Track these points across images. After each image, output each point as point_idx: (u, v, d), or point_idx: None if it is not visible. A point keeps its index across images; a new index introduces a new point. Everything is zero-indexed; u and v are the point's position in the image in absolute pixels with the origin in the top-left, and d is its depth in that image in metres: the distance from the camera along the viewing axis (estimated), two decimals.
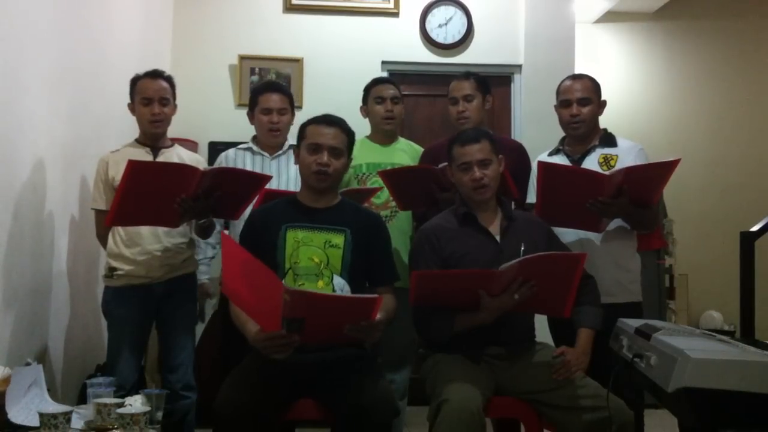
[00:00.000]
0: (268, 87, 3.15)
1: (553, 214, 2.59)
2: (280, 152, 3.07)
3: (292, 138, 3.13)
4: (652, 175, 2.57)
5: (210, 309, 3.56)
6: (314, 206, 2.42)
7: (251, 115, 3.09)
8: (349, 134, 2.46)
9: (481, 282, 2.22)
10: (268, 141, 3.06)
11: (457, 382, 2.19)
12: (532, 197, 2.79)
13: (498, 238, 2.46)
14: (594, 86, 2.80)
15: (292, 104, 3.10)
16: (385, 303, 2.32)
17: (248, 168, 2.95)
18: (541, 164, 2.60)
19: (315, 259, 2.34)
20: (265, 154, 3.06)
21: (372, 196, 3.02)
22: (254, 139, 3.12)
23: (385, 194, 3.07)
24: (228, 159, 3.06)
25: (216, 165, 3.05)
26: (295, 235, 2.35)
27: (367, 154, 3.16)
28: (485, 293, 2.23)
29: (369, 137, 3.25)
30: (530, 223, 2.54)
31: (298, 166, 2.48)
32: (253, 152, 3.07)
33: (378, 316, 2.12)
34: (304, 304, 2.03)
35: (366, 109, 3.24)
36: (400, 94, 3.24)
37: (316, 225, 2.38)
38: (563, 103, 2.80)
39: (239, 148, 3.09)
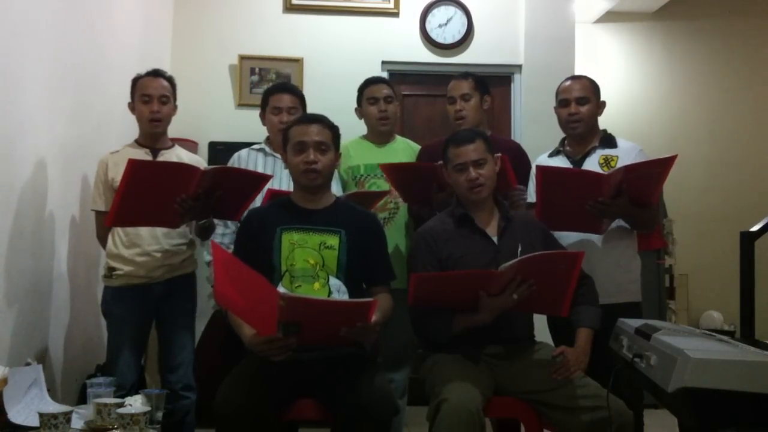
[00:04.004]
0: (280, 88, 3.13)
1: (555, 218, 2.59)
2: None
3: None
4: (651, 173, 2.57)
5: (210, 309, 3.55)
6: (308, 207, 2.42)
7: (263, 116, 3.09)
8: (333, 128, 2.45)
9: (480, 282, 2.22)
10: (279, 141, 3.05)
11: (457, 381, 2.19)
12: (532, 197, 2.79)
13: (495, 239, 2.46)
14: (592, 86, 2.80)
15: (303, 105, 3.08)
16: (382, 303, 2.32)
17: (260, 169, 2.92)
18: (539, 168, 2.61)
19: (310, 260, 2.34)
20: (277, 155, 3.05)
21: (380, 200, 3.01)
22: (267, 140, 3.11)
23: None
24: (240, 159, 3.04)
25: (229, 165, 3.03)
26: (290, 237, 2.35)
27: (364, 155, 3.16)
28: (484, 293, 2.23)
29: (366, 137, 3.24)
30: (527, 224, 2.53)
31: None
32: (266, 153, 3.05)
33: (374, 317, 2.12)
34: (300, 308, 2.03)
35: (360, 111, 3.23)
36: (394, 93, 3.22)
37: (310, 226, 2.37)
38: (561, 102, 2.81)
39: (252, 149, 3.07)
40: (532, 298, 2.26)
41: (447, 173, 2.53)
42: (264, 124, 3.09)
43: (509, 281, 2.22)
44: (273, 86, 3.21)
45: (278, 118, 3.00)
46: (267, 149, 3.06)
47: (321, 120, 2.43)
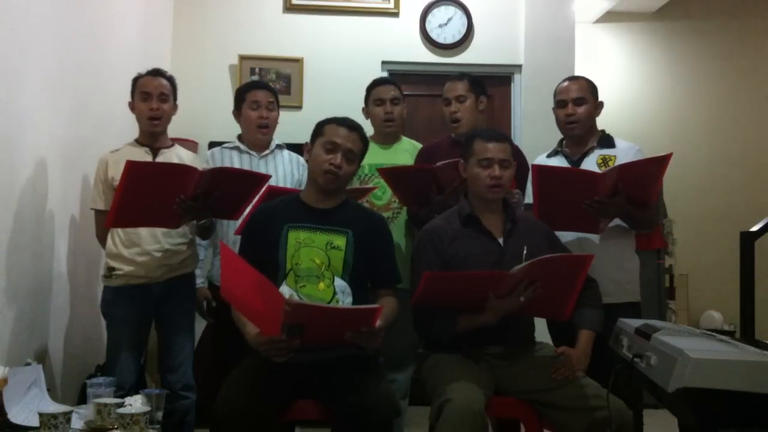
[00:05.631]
0: (254, 85, 3.16)
1: (552, 217, 2.59)
2: (268, 152, 3.07)
3: (278, 138, 3.14)
4: (646, 172, 2.57)
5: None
6: (317, 206, 2.41)
7: (237, 114, 3.09)
8: (365, 143, 2.46)
9: (491, 283, 2.22)
10: (256, 138, 3.05)
11: (459, 381, 2.19)
12: (530, 198, 2.79)
13: (501, 240, 2.46)
14: (590, 87, 2.80)
15: (278, 102, 3.10)
16: (387, 307, 2.31)
17: (236, 167, 2.94)
18: (535, 167, 2.61)
19: (316, 260, 2.33)
20: (253, 153, 3.05)
21: (367, 195, 3.01)
22: (240, 138, 3.11)
23: (386, 196, 3.07)
24: (215, 158, 3.05)
25: (204, 165, 3.03)
26: (297, 236, 2.34)
27: (370, 155, 3.13)
28: (492, 295, 2.22)
29: (371, 138, 3.24)
30: (532, 225, 2.53)
31: (307, 162, 2.46)
32: (241, 151, 3.05)
33: (378, 322, 2.11)
34: (305, 314, 2.04)
35: (367, 111, 3.24)
36: (401, 95, 3.23)
37: (318, 226, 2.36)
38: (559, 103, 2.81)
39: (225, 147, 3.08)
40: (535, 301, 2.25)
41: (463, 166, 2.51)
42: (238, 121, 3.09)
43: (518, 283, 2.22)
44: (247, 83, 3.23)
45: (257, 113, 3.01)
46: (242, 147, 3.06)
47: (359, 130, 2.44)
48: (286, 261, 2.33)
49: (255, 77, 4.56)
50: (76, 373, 3.00)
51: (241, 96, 3.08)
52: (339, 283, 2.33)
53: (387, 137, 3.21)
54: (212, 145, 4.30)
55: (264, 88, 3.10)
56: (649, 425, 2.56)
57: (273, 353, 2.12)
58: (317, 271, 2.32)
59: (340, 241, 2.35)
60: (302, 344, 2.10)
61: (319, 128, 2.44)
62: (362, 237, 2.39)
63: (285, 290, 2.29)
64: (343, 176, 2.39)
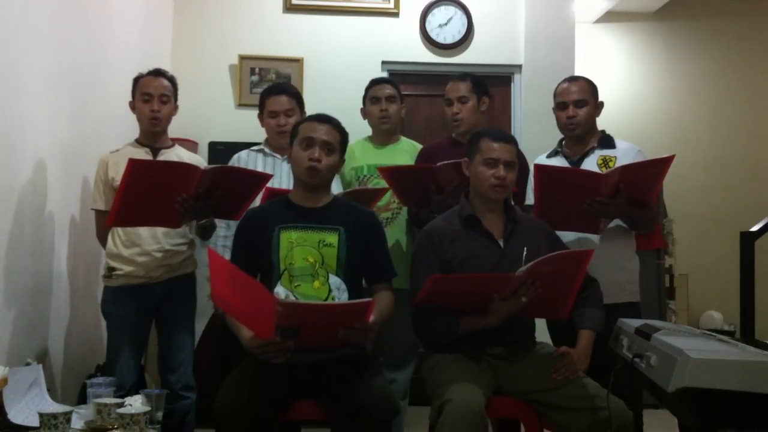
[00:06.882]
0: (275, 89, 3.12)
1: (552, 217, 2.58)
2: None
3: None
4: (648, 173, 2.57)
5: (210, 309, 3.55)
6: (307, 206, 2.41)
7: (260, 117, 3.09)
8: (342, 133, 2.45)
9: (496, 285, 2.22)
10: (278, 143, 3.06)
11: (459, 382, 2.19)
12: (530, 198, 2.79)
13: (501, 242, 2.45)
14: (590, 88, 2.80)
15: (300, 104, 3.08)
16: (383, 301, 2.33)
17: (260, 169, 2.93)
18: (537, 167, 2.61)
19: (310, 259, 2.33)
20: (277, 155, 3.05)
21: (379, 198, 3.01)
22: (266, 141, 3.12)
23: (386, 196, 3.07)
24: (240, 160, 3.05)
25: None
26: (289, 236, 2.34)
27: (368, 156, 3.16)
28: (497, 297, 2.23)
29: (370, 138, 3.25)
30: (533, 226, 2.53)
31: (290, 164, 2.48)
32: (266, 154, 3.06)
33: (372, 317, 2.12)
34: (298, 314, 2.04)
35: (365, 111, 3.24)
36: (398, 93, 3.22)
37: (309, 225, 2.36)
38: (560, 105, 2.81)
39: (252, 150, 3.08)
40: (535, 301, 2.25)
41: (467, 164, 2.51)
42: (262, 125, 3.09)
43: (521, 284, 2.22)
44: (269, 88, 3.20)
45: (275, 121, 3.01)
46: (267, 150, 3.06)
47: (332, 122, 2.43)
48: (280, 262, 2.33)
49: (255, 77, 4.57)
50: (76, 373, 3.00)
51: (262, 102, 3.07)
52: (334, 280, 2.33)
53: (385, 137, 3.21)
54: (212, 145, 4.34)
55: (283, 92, 3.06)
56: (649, 425, 2.56)
57: (269, 356, 2.12)
58: (311, 269, 2.32)
59: (332, 238, 2.36)
60: (298, 345, 2.10)
61: (294, 130, 2.46)
62: (354, 233, 2.38)
63: (280, 291, 2.29)
64: (324, 169, 2.37)
